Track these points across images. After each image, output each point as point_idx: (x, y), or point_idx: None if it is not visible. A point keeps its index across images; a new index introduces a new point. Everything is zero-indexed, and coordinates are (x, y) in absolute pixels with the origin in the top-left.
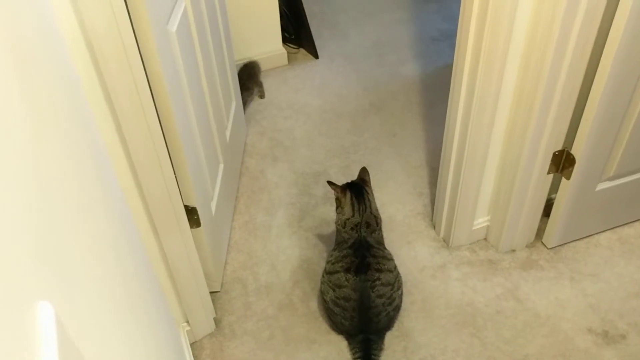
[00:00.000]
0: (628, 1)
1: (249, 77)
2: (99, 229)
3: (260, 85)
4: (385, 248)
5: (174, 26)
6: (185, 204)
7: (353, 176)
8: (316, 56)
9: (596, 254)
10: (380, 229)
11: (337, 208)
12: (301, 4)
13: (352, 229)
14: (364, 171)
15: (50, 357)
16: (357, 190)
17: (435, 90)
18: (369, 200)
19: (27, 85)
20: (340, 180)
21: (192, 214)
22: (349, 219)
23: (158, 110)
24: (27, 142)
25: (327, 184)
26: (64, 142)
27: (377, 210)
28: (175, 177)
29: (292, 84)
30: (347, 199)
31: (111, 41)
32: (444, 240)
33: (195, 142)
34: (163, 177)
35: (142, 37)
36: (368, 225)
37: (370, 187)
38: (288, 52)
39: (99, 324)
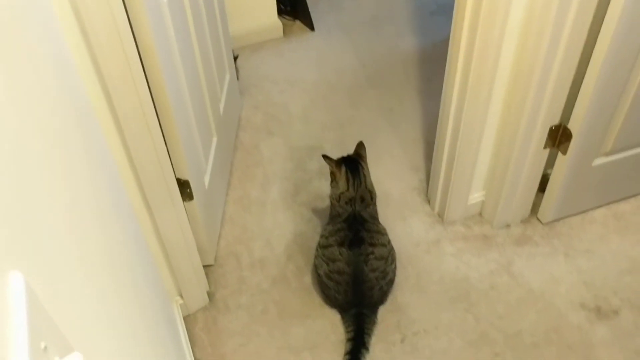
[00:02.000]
0: None
1: None
2: (82, 199)
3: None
4: (379, 223)
5: None
6: (178, 176)
7: (348, 151)
8: (312, 28)
9: (591, 230)
10: (375, 204)
11: (331, 182)
12: None
13: (346, 203)
14: (360, 146)
15: (20, 326)
16: (352, 165)
17: (433, 64)
18: (364, 175)
19: (9, 55)
20: (336, 155)
21: (184, 187)
22: (343, 192)
23: (149, 81)
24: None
25: (322, 158)
26: (44, 103)
27: (372, 185)
28: (167, 149)
29: (288, 57)
30: (342, 173)
31: (101, 11)
32: (439, 216)
33: (188, 114)
34: (155, 148)
35: (133, 7)
36: (362, 199)
37: (365, 162)
38: (283, 24)
39: (79, 296)
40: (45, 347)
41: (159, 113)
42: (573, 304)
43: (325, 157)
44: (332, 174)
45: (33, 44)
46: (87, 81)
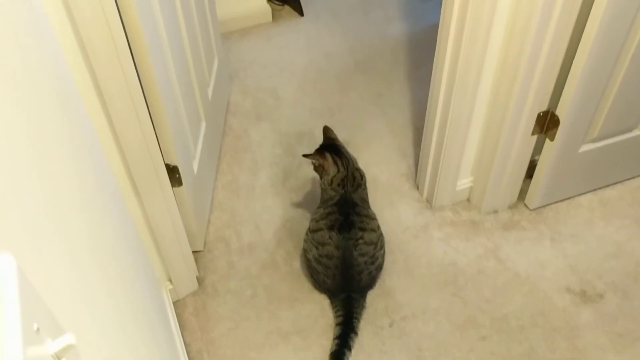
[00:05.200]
0: None
1: None
2: (68, 184)
3: None
4: (369, 207)
5: None
6: (167, 162)
7: (338, 136)
8: (301, 13)
9: (577, 215)
10: (365, 187)
11: (320, 176)
12: None
13: (338, 184)
14: (327, 130)
15: (12, 308)
16: (333, 149)
17: (422, 49)
18: (347, 152)
19: None
20: (317, 144)
21: (173, 173)
22: (335, 175)
23: (136, 64)
24: None
25: (309, 149)
26: (30, 92)
27: (357, 163)
28: (156, 135)
29: (277, 42)
30: (329, 159)
31: None
32: (427, 201)
33: (176, 99)
34: (142, 133)
35: None
36: (354, 178)
37: (341, 143)
38: (272, 9)
39: (68, 279)
40: (38, 329)
41: (147, 98)
42: (559, 287)
43: (305, 155)
44: (319, 166)
45: (19, 28)
46: (73, 64)
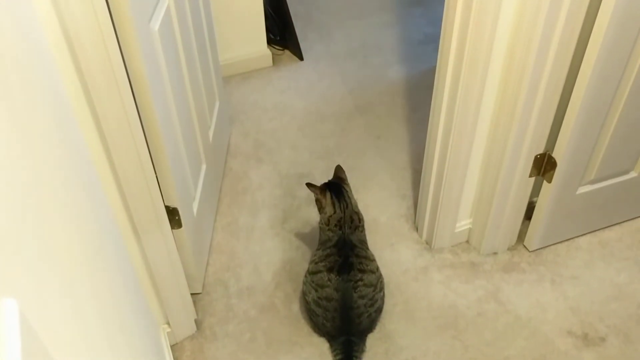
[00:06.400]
0: (610, 4)
1: None
2: (69, 227)
3: None
4: (368, 248)
5: (156, 24)
6: (167, 204)
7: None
8: (301, 58)
9: (577, 257)
10: (364, 228)
11: (319, 210)
12: (286, 5)
13: (335, 225)
14: (339, 169)
15: (14, 354)
16: (336, 189)
17: (419, 93)
18: (349, 197)
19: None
20: (322, 182)
21: (173, 215)
22: (331, 215)
23: (139, 108)
24: None
25: (308, 193)
26: (34, 132)
27: (357, 206)
28: (157, 176)
29: (277, 86)
30: (328, 198)
31: (92, 39)
32: (427, 243)
33: (177, 141)
34: (144, 176)
35: (124, 35)
36: (352, 220)
37: (348, 185)
38: (273, 54)
39: (67, 324)
40: None
41: (148, 141)
42: (560, 330)
43: (309, 185)
44: (318, 201)
45: (28, 75)
46: (75, 105)
